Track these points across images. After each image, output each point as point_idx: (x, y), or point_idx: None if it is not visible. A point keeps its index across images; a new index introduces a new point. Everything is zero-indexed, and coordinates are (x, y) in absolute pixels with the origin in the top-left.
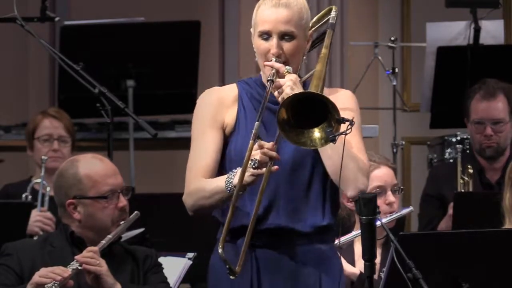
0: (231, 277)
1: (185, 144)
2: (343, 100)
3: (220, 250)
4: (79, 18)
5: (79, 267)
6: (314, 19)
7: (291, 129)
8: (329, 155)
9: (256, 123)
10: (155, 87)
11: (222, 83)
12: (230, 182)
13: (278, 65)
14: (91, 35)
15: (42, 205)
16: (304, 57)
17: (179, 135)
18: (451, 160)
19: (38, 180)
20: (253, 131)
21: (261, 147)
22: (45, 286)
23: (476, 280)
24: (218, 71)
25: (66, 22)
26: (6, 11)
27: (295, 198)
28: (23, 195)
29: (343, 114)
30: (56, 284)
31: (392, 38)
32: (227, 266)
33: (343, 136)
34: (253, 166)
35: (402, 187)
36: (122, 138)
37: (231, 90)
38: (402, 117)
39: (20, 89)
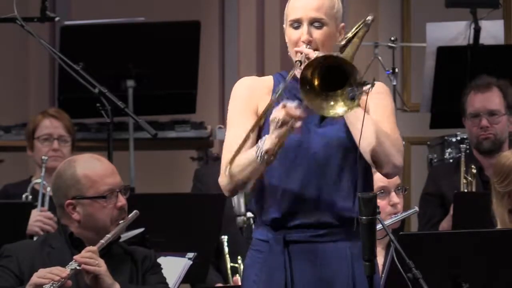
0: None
1: (185, 144)
2: (376, 90)
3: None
4: (79, 18)
5: (78, 267)
6: (353, 29)
7: (314, 94)
8: (362, 134)
9: (281, 84)
10: (155, 87)
11: (222, 83)
12: (260, 150)
13: (308, 50)
14: (91, 35)
15: (43, 205)
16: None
17: (179, 135)
18: (451, 160)
19: (38, 180)
20: (279, 90)
21: (284, 106)
22: (44, 286)
23: (476, 280)
24: (218, 71)
25: (66, 22)
26: (6, 11)
27: (326, 191)
28: (23, 195)
29: (376, 106)
30: (54, 285)
31: (392, 38)
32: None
33: (365, 106)
34: (277, 125)
35: (406, 186)
36: (122, 138)
37: (266, 81)
38: (402, 117)
39: (20, 89)
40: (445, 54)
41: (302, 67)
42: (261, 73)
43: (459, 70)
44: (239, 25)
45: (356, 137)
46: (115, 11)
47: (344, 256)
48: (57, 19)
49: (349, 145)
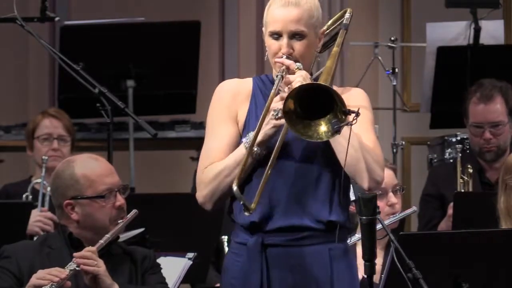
0: (245, 213)
1: (185, 144)
2: (355, 97)
3: (235, 188)
4: (79, 18)
5: (77, 268)
6: (329, 22)
7: (298, 120)
8: (343, 148)
9: (276, 83)
10: (155, 87)
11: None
12: (248, 140)
13: (289, 62)
14: (91, 35)
15: (43, 205)
16: (317, 56)
17: (179, 135)
18: (451, 160)
19: (39, 180)
20: (278, 75)
21: (282, 98)
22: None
23: (476, 280)
24: (218, 71)
25: (66, 22)
26: (6, 11)
27: (304, 194)
28: (23, 195)
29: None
30: (53, 286)
31: (392, 38)
32: (241, 203)
33: (351, 127)
34: (276, 116)
35: (403, 186)
36: (122, 138)
37: (246, 85)
38: (402, 117)
39: (20, 89)
40: (445, 54)
41: (284, 87)
42: (261, 73)
43: (459, 70)
44: (239, 25)
45: (336, 150)
46: (115, 11)
47: (323, 259)
48: (57, 19)
49: (329, 151)
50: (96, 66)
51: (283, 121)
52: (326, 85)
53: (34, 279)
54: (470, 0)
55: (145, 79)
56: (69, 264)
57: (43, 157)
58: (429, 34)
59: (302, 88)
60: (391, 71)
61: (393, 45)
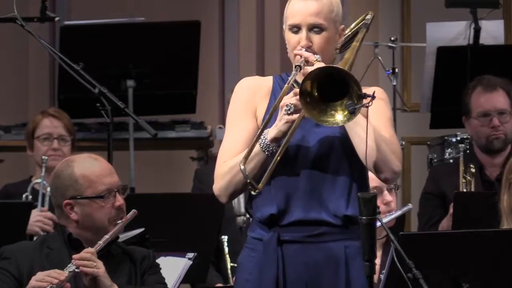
0: (252, 192)
1: (185, 144)
2: (376, 93)
3: (242, 167)
4: (79, 18)
5: (76, 270)
6: (352, 25)
7: (314, 104)
8: (360, 139)
9: (293, 72)
10: (155, 87)
11: (222, 83)
12: (265, 141)
13: (308, 54)
14: (91, 35)
15: (43, 205)
16: (336, 51)
17: (179, 135)
18: (451, 160)
19: (39, 180)
20: (290, 77)
21: (296, 94)
22: None
23: (476, 280)
24: (218, 71)
25: (66, 22)
26: (6, 11)
27: (321, 188)
28: (23, 195)
29: (375, 113)
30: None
31: (392, 38)
32: (248, 181)
33: (368, 114)
34: (288, 112)
35: (398, 184)
36: (122, 138)
37: (266, 82)
38: (402, 117)
39: (20, 89)
40: (445, 54)
41: (302, 78)
42: (261, 73)
43: (459, 70)
44: (239, 25)
45: (354, 141)
46: (115, 11)
47: (339, 257)
48: (57, 19)
49: (346, 145)
50: (96, 66)
51: (296, 116)
52: (343, 68)
53: (33, 282)
54: (470, 0)
55: (145, 79)
56: (68, 266)
57: (43, 157)
58: (429, 34)
59: (321, 71)
60: (391, 71)
61: (393, 45)
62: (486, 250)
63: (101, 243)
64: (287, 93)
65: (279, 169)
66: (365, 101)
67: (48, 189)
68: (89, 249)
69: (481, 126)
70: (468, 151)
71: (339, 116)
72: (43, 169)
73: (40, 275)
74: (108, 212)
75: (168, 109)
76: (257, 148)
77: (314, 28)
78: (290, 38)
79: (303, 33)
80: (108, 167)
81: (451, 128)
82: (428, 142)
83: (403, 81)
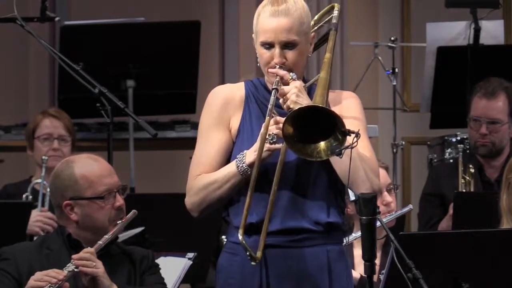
0: (252, 263)
1: (185, 144)
2: (347, 103)
3: (240, 237)
4: (79, 18)
5: (75, 269)
6: (316, 17)
7: (297, 143)
8: (339, 162)
9: (272, 97)
10: (155, 87)
11: (222, 83)
12: (242, 164)
13: (283, 72)
14: (91, 35)
15: (43, 205)
16: (308, 57)
17: (179, 135)
18: (451, 160)
19: (39, 180)
20: (269, 107)
21: (277, 122)
22: None
23: (476, 280)
24: (218, 71)
25: (66, 22)
26: (6, 11)
27: (301, 197)
28: (24, 195)
29: (348, 122)
30: (52, 287)
31: (392, 38)
32: (247, 253)
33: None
34: (271, 141)
35: (397, 184)
36: (122, 138)
37: (239, 90)
38: (402, 117)
39: (20, 89)
40: (445, 54)
41: (280, 119)
42: (261, 73)
43: (459, 70)
44: (239, 25)
45: (334, 164)
46: (115, 11)
47: (321, 261)
48: (57, 19)
49: None
50: (96, 66)
51: (278, 146)
52: (322, 106)
53: (32, 281)
54: (470, 0)
55: (145, 79)
56: (67, 265)
57: (43, 157)
58: (429, 34)
59: (299, 112)
60: (391, 71)
61: (393, 45)
62: (486, 250)
63: (101, 243)
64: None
65: (259, 179)
66: (349, 138)
67: (48, 189)
68: (89, 249)
69: (472, 130)
70: (467, 151)
71: (323, 150)
72: (43, 169)
73: (38, 274)
74: (108, 213)
75: (168, 109)
76: (233, 169)
77: (287, 45)
78: (263, 53)
79: (276, 50)
80: (108, 168)
81: (451, 128)
82: (428, 142)
83: (403, 81)
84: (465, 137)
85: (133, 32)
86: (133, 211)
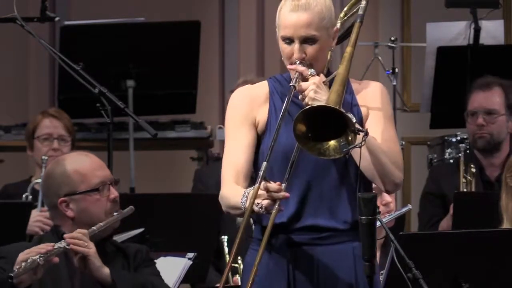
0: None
1: (185, 144)
2: (373, 94)
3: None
4: (79, 18)
5: (67, 246)
6: (345, 8)
7: (308, 141)
8: (361, 154)
9: (264, 163)
10: (155, 87)
11: (222, 83)
12: (244, 203)
13: (302, 68)
14: (91, 35)
15: (43, 205)
16: (331, 50)
17: (179, 135)
18: (451, 160)
19: (39, 180)
20: (260, 173)
21: (267, 190)
22: (30, 258)
23: (476, 280)
24: (218, 71)
25: (66, 22)
26: (6, 11)
27: (328, 195)
28: (23, 195)
29: (373, 114)
30: (41, 257)
31: (392, 38)
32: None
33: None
34: (260, 210)
35: None
36: (122, 138)
37: (262, 88)
38: (402, 117)
39: (20, 89)
40: (445, 54)
41: (298, 94)
42: (261, 73)
43: (459, 70)
44: (239, 25)
45: (355, 156)
46: (115, 11)
47: (347, 258)
48: (57, 19)
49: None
50: (96, 66)
51: (273, 212)
52: (331, 106)
53: (21, 255)
54: (470, 0)
55: (145, 79)
56: (59, 242)
57: (43, 157)
58: (429, 34)
59: (307, 112)
60: (391, 71)
61: (393, 45)
62: (486, 250)
63: (95, 228)
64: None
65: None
66: (358, 141)
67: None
68: (82, 230)
69: (470, 125)
70: (468, 151)
71: (334, 149)
72: (43, 169)
73: (26, 250)
74: (103, 205)
75: (168, 109)
76: (238, 201)
77: (307, 40)
78: (284, 48)
79: (296, 46)
80: (99, 161)
81: (451, 128)
82: (428, 142)
83: (403, 81)
84: (465, 137)
85: (133, 32)
86: (130, 207)
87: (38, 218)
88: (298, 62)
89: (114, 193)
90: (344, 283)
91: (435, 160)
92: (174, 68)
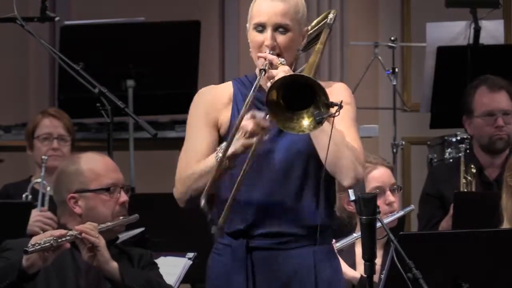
0: (212, 230)
1: None
2: (337, 92)
3: (202, 202)
4: (79, 18)
5: (78, 235)
6: (313, 23)
7: (280, 112)
8: (323, 145)
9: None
10: (155, 87)
11: (222, 83)
12: (219, 156)
13: (272, 57)
14: (91, 35)
15: (43, 204)
16: (299, 54)
17: (179, 135)
18: (451, 160)
19: (38, 180)
20: (250, 93)
21: (253, 117)
22: (43, 239)
23: (476, 280)
24: (218, 71)
25: (66, 22)
26: (6, 11)
27: (288, 200)
28: (23, 195)
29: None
30: (54, 240)
31: (392, 38)
32: (208, 219)
33: (333, 121)
34: (245, 136)
35: (400, 185)
36: (122, 138)
37: (226, 89)
38: (402, 117)
39: (20, 89)
40: (445, 54)
41: (266, 81)
42: None
43: (459, 70)
44: (239, 25)
45: (319, 149)
46: (115, 11)
47: (307, 262)
48: (57, 19)
49: (311, 153)
50: (96, 66)
51: (252, 140)
52: (309, 76)
53: (35, 237)
54: (470, 0)
55: (145, 79)
56: (71, 230)
57: (43, 156)
58: (429, 34)
59: (286, 79)
60: (391, 71)
61: (393, 45)
62: (486, 250)
63: (103, 225)
64: (249, 106)
65: (246, 183)
66: (332, 109)
67: (48, 188)
68: (92, 223)
69: (485, 126)
70: (468, 151)
71: (305, 123)
72: (43, 169)
73: (39, 235)
74: (112, 207)
75: (168, 109)
76: (211, 161)
77: (279, 28)
78: (254, 37)
79: (268, 32)
80: (113, 164)
81: (451, 128)
82: (428, 142)
83: (403, 81)
84: (465, 137)
85: (133, 32)
86: (135, 215)
87: (38, 218)
88: (269, 50)
89: (124, 197)
90: (304, 287)
91: (435, 160)
92: (174, 68)
